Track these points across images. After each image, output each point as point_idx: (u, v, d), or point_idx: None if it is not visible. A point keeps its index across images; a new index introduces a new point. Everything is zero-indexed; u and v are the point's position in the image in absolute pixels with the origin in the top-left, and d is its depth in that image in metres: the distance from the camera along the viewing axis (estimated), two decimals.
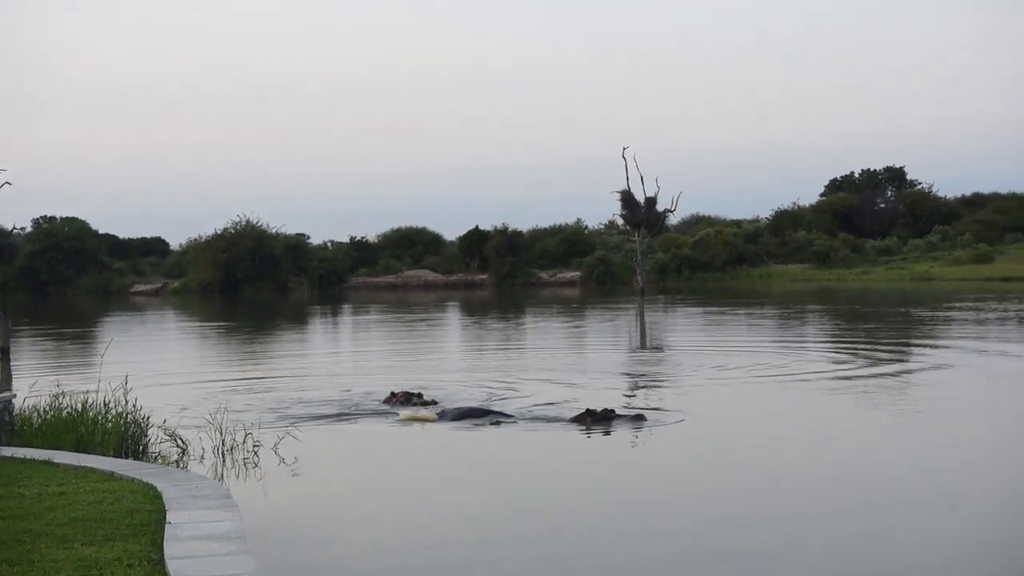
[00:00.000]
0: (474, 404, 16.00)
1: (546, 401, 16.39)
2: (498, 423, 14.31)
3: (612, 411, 14.10)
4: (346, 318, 48.89)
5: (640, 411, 14.40)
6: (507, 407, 15.60)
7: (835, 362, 21.64)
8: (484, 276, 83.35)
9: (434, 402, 16.34)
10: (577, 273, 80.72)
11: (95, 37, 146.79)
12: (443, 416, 14.78)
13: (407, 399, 16.32)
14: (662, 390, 18.35)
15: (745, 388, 17.81)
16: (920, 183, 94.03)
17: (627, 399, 16.58)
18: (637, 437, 13.29)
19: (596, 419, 13.94)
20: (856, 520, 9.33)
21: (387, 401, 16.47)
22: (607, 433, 13.50)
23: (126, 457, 11.54)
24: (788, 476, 11.33)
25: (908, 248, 78.10)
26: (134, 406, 12.27)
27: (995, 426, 14.40)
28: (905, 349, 24.98)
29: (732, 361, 21.97)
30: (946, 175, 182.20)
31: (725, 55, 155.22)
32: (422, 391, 16.84)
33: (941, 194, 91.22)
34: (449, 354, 27.99)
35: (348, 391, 18.38)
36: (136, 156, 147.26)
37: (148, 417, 12.44)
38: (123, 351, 27.72)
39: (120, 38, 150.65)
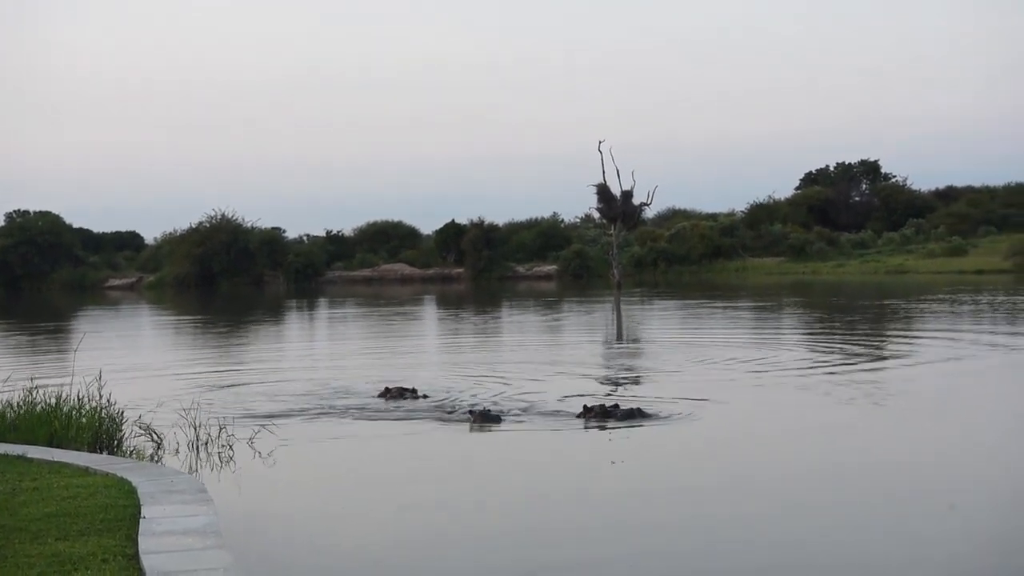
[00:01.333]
0: (473, 400, 15.84)
1: (539, 396, 16.19)
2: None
3: (616, 407, 13.99)
4: (322, 312, 48.77)
5: (638, 407, 14.22)
6: (502, 402, 15.46)
7: (818, 356, 21.71)
8: (460, 270, 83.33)
9: (425, 396, 16.28)
10: (553, 267, 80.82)
11: (66, 32, 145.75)
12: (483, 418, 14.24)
13: (400, 394, 16.26)
14: (646, 385, 18.29)
15: (734, 382, 17.79)
16: (894, 176, 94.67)
17: (613, 394, 16.52)
18: (643, 433, 13.17)
19: (598, 415, 13.78)
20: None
21: (381, 396, 16.41)
22: (602, 428, 13.45)
23: (100, 452, 11.47)
24: (793, 468, 11.40)
25: (883, 241, 78.56)
26: (108, 401, 12.18)
27: (983, 416, 14.52)
28: (885, 342, 25.11)
29: (717, 355, 22.00)
30: (920, 168, 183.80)
31: (701, 49, 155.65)
32: (415, 387, 16.73)
33: (915, 187, 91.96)
34: (428, 348, 27.95)
35: (324, 385, 18.33)
36: (110, 150, 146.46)
37: (123, 412, 12.35)
38: (98, 345, 27.56)
39: (93, 32, 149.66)
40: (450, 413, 14.79)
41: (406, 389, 16.48)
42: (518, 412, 14.70)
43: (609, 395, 16.38)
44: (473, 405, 15.12)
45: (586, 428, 13.49)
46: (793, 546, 8.53)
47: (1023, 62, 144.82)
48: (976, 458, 11.91)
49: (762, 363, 20.31)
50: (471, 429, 13.73)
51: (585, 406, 14.18)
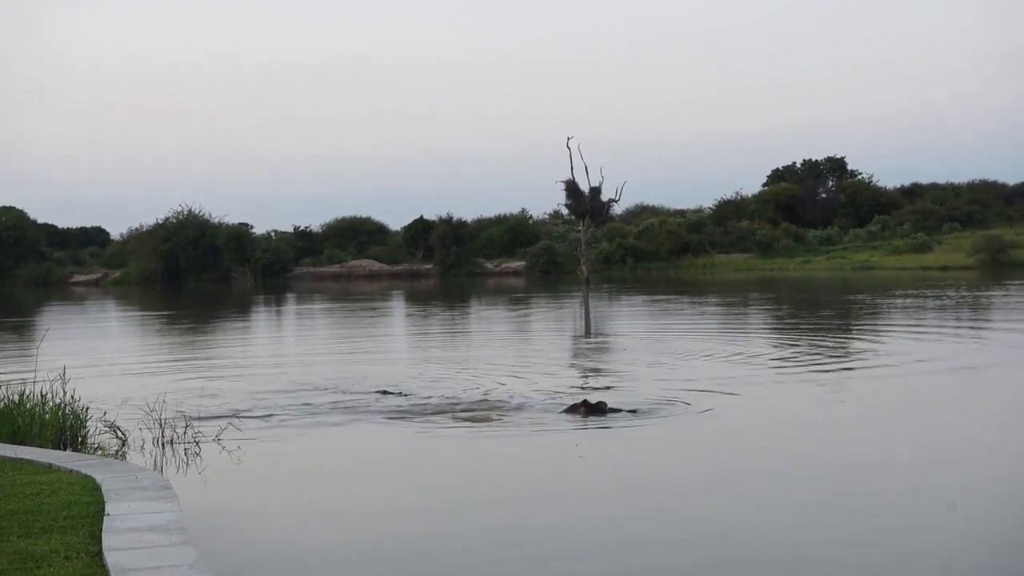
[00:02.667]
0: (453, 397, 15.71)
1: (514, 392, 16.04)
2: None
3: (604, 404, 13.84)
4: (290, 308, 48.58)
5: (634, 408, 14.09)
6: (480, 398, 15.38)
7: (791, 351, 21.82)
8: (429, 266, 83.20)
9: (407, 394, 16.20)
10: (522, 263, 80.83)
11: (28, 25, 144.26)
12: None
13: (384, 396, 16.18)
14: (617, 380, 18.22)
15: (706, 378, 17.78)
16: (861, 173, 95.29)
17: (587, 389, 16.52)
18: (631, 430, 13.10)
19: (589, 411, 13.65)
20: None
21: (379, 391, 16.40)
22: (585, 419, 13.41)
23: (64, 449, 11.37)
24: (781, 465, 11.44)
25: (849, 238, 79.07)
26: (73, 397, 12.07)
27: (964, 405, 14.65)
28: (853, 338, 25.29)
29: (686, 349, 22.10)
30: (886, 166, 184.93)
31: (669, 47, 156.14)
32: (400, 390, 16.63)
33: (881, 184, 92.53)
34: (398, 345, 27.89)
35: (291, 382, 18.23)
36: (75, 145, 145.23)
37: (87, 408, 12.24)
38: (62, 341, 27.33)
39: (56, 25, 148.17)
40: (466, 411, 14.41)
41: (389, 392, 16.36)
42: (498, 409, 14.53)
43: (583, 389, 16.42)
44: (496, 401, 14.86)
45: (585, 426, 13.34)
46: (781, 542, 8.57)
47: (988, 60, 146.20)
48: (954, 455, 12.00)
49: (734, 358, 20.37)
50: (583, 417, 13.53)
51: (586, 401, 14.04)
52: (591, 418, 13.52)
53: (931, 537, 8.58)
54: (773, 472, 11.00)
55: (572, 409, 13.93)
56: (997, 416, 14.30)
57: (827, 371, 18.50)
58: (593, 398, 14.25)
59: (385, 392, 16.33)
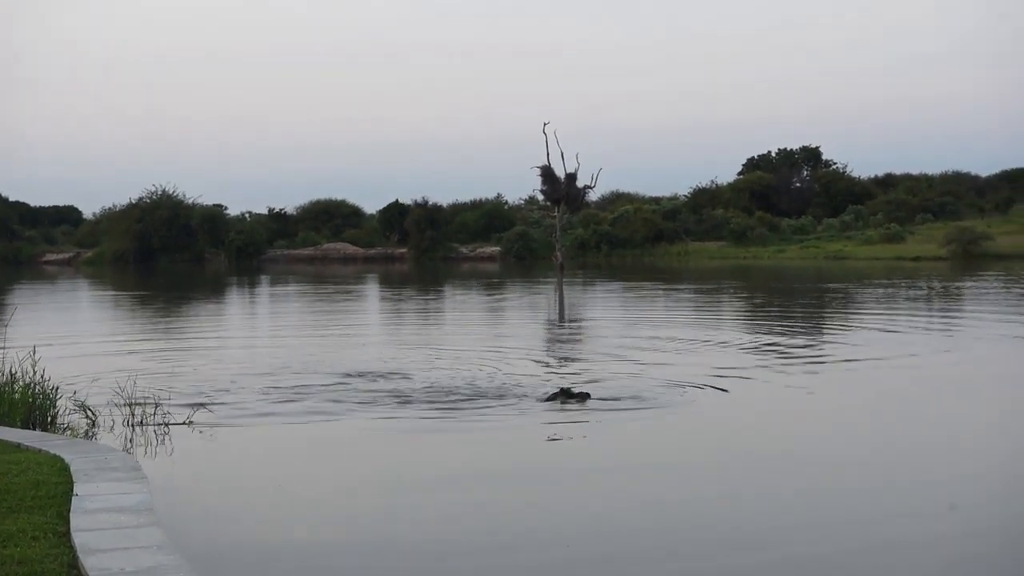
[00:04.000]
0: (425, 384, 15.51)
1: (488, 379, 15.93)
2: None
3: (587, 394, 13.76)
4: (263, 289, 48.39)
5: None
6: (454, 385, 15.25)
7: (766, 339, 21.92)
8: (404, 250, 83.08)
9: (381, 378, 16.15)
10: (497, 248, 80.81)
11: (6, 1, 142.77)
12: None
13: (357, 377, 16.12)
14: (593, 366, 18.19)
15: (677, 364, 17.87)
16: (835, 163, 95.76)
17: (562, 375, 16.54)
18: (606, 420, 13.09)
19: (569, 399, 13.59)
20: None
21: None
22: (564, 406, 13.39)
23: (33, 429, 11.29)
24: (767, 452, 11.51)
25: (823, 227, 79.47)
26: (42, 377, 11.99)
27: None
28: (826, 326, 25.43)
29: (659, 335, 22.17)
30: (860, 156, 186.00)
31: (645, 34, 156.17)
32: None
33: (855, 174, 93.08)
34: (373, 329, 27.83)
35: (264, 364, 18.18)
36: (48, 122, 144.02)
37: (57, 388, 12.16)
38: (32, 321, 27.13)
39: (30, 3, 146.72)
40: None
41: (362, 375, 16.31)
42: (471, 395, 14.48)
43: (558, 375, 16.43)
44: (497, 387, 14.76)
45: (562, 410, 13.30)
46: (763, 525, 8.62)
47: (960, 51, 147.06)
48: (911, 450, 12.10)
49: (705, 346, 20.44)
50: (560, 404, 13.49)
51: (562, 388, 13.99)
52: (569, 404, 13.50)
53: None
54: (751, 460, 11.07)
55: (552, 397, 13.86)
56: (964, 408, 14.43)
57: (802, 362, 18.58)
58: (577, 387, 14.18)
59: (359, 374, 16.31)
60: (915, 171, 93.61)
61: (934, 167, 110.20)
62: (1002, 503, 9.54)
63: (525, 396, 14.23)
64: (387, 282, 52.69)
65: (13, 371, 11.96)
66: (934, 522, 8.72)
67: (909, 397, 15.10)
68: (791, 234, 78.27)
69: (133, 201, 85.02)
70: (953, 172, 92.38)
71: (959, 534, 8.41)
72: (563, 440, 11.96)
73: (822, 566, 7.66)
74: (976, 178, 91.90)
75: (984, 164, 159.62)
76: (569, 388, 14.09)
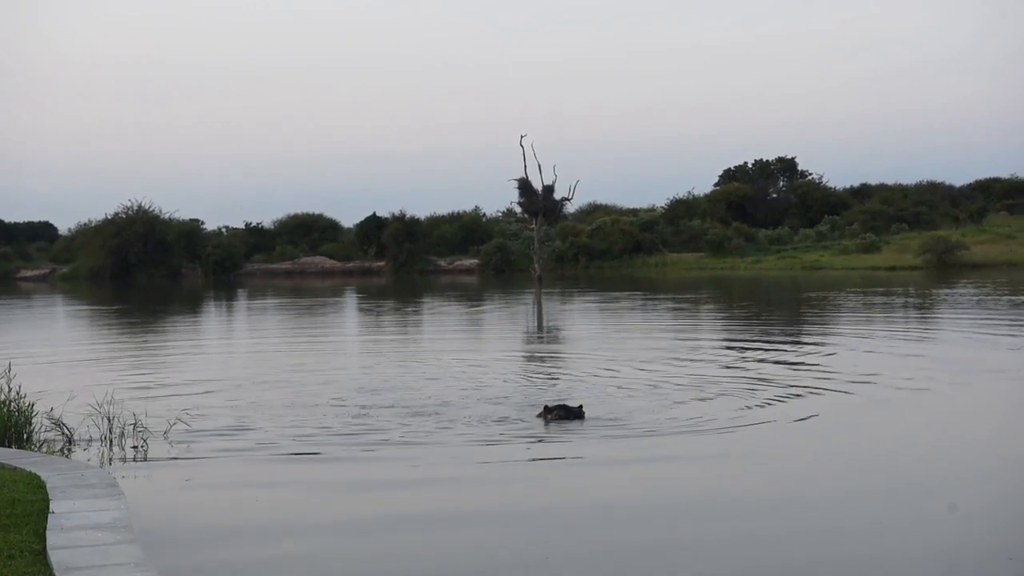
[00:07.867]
0: (404, 403, 15.21)
1: (472, 396, 15.72)
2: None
3: (580, 408, 13.58)
4: (241, 304, 48.20)
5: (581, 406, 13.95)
6: (434, 406, 14.92)
7: (746, 351, 21.98)
8: (382, 263, 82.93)
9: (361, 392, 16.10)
10: (475, 261, 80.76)
11: None
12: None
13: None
14: (576, 381, 18.19)
15: (659, 379, 17.91)
16: (811, 174, 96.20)
17: (544, 390, 16.52)
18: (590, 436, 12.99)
19: (557, 416, 13.37)
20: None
21: None
22: (551, 421, 13.32)
23: (8, 446, 11.19)
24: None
25: (799, 238, 79.76)
26: (18, 393, 11.91)
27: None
28: (808, 336, 25.53)
29: (638, 347, 22.19)
30: (835, 166, 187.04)
31: (622, 47, 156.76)
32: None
33: (831, 185, 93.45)
34: (351, 345, 27.77)
35: (241, 379, 18.10)
36: (22, 137, 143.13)
37: (33, 405, 12.07)
38: (7, 337, 26.94)
39: (10, 15, 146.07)
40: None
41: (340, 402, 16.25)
42: (451, 415, 14.17)
43: (536, 390, 16.41)
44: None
45: (545, 427, 13.35)
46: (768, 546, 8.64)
47: (933, 61, 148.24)
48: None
49: (686, 360, 20.44)
50: (546, 424, 13.29)
51: (546, 406, 13.75)
52: (557, 424, 13.28)
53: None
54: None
55: (544, 414, 13.58)
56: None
57: (783, 373, 18.64)
58: (554, 403, 13.96)
59: (338, 387, 16.26)
60: (890, 181, 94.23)
61: (909, 177, 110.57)
62: None
63: (506, 418, 13.89)
64: (366, 296, 52.55)
65: None
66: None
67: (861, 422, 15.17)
68: (768, 244, 78.52)
69: (109, 216, 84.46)
70: (928, 182, 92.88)
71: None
72: (541, 457, 11.95)
73: None
74: (951, 188, 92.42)
75: (958, 174, 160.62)
76: (550, 404, 13.82)
